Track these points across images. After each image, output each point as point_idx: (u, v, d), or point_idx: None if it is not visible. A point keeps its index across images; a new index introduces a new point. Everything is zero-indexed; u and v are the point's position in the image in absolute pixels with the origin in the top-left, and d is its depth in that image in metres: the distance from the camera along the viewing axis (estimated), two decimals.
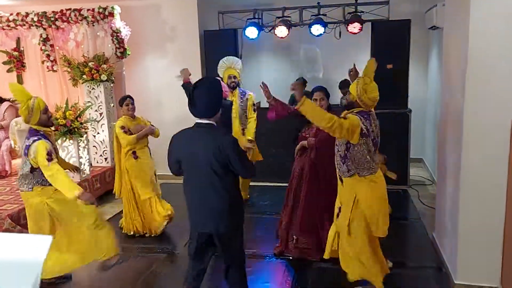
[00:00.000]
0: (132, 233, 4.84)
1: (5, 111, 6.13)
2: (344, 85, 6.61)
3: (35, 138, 3.42)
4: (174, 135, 3.09)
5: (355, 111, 3.20)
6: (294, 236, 4.13)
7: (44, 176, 3.44)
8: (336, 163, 3.37)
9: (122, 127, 4.68)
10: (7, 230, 4.33)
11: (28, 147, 3.41)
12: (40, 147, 3.36)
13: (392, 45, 5.98)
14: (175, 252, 4.46)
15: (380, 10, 6.18)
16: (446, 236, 3.85)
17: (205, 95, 2.86)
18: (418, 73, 7.06)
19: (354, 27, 5.99)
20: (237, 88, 5.36)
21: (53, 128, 3.60)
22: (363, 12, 6.11)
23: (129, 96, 4.84)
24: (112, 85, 6.37)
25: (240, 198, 3.08)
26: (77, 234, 3.64)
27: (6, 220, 4.36)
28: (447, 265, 3.78)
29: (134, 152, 4.76)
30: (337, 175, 3.42)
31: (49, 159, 3.37)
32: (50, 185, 3.45)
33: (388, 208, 3.37)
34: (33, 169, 3.45)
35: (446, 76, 4.04)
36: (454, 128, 3.59)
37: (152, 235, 4.81)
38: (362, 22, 5.98)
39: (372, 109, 3.26)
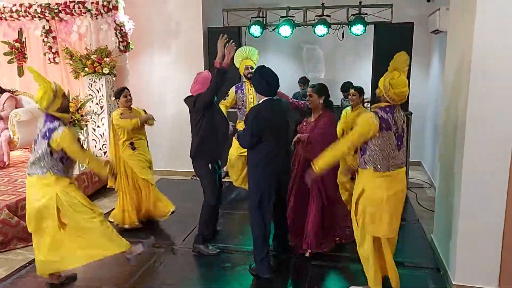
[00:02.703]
0: (126, 226, 4.81)
1: (5, 102, 6.11)
2: (345, 87, 6.64)
3: (60, 122, 3.33)
4: (256, 111, 3.65)
5: (379, 106, 3.13)
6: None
7: (60, 165, 3.38)
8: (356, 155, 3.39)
9: (121, 113, 4.67)
10: (4, 221, 4.31)
11: (51, 131, 3.29)
12: (69, 135, 3.30)
13: (394, 48, 5.86)
14: (174, 246, 4.45)
15: (383, 12, 6.20)
16: (445, 237, 3.86)
17: (275, 77, 3.63)
18: (419, 76, 7.08)
19: (358, 28, 6.01)
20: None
21: (67, 116, 3.51)
22: (366, 14, 6.13)
23: (126, 88, 4.82)
24: (114, 78, 6.36)
25: None
26: (86, 229, 3.51)
27: (4, 211, 4.34)
28: (445, 266, 3.79)
29: (131, 143, 4.75)
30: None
31: (82, 146, 3.42)
32: (65, 176, 3.43)
33: (401, 208, 3.31)
34: (51, 153, 3.34)
35: (449, 80, 4.05)
36: (456, 131, 3.60)
37: (146, 223, 4.90)
38: (365, 24, 6.00)
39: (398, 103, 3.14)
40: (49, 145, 3.32)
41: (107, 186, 5.20)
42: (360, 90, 4.91)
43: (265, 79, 3.56)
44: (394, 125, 3.09)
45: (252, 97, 5.33)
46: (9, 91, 6.31)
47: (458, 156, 3.50)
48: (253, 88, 5.26)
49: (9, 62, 6.76)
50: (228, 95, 5.35)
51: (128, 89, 4.81)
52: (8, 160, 5.95)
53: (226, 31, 6.47)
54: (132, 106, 4.82)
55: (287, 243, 4.12)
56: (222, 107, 4.98)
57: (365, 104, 5.92)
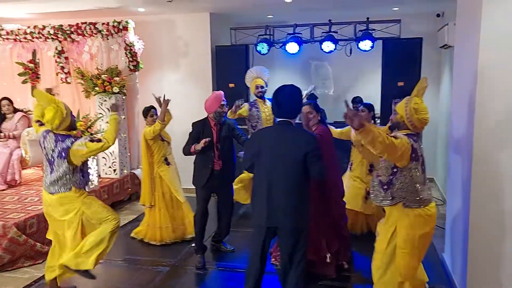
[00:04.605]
0: (159, 243, 4.90)
1: (18, 121, 6.22)
2: (356, 101, 6.61)
3: (70, 140, 3.44)
4: (254, 133, 3.49)
5: (402, 133, 2.93)
6: None
7: (81, 178, 3.53)
8: (372, 189, 3.08)
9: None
10: (12, 239, 4.34)
11: (66, 150, 3.39)
12: (81, 144, 3.41)
13: (403, 63, 5.96)
14: (178, 266, 4.41)
15: (391, 28, 6.18)
16: (456, 255, 3.76)
17: (288, 98, 3.13)
18: (429, 92, 6.85)
19: (365, 44, 5.98)
20: (265, 98, 5.44)
21: (75, 132, 3.65)
22: (374, 30, 6.11)
23: (153, 107, 5.01)
24: (124, 97, 6.44)
25: (308, 195, 3.16)
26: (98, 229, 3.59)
27: (12, 229, 4.36)
28: (457, 285, 3.68)
29: (166, 159, 4.97)
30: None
31: (98, 140, 3.50)
32: (85, 188, 3.61)
33: (425, 249, 3.08)
34: (74, 170, 3.46)
35: (456, 94, 4.00)
36: (464, 146, 3.54)
37: (169, 242, 4.95)
38: (373, 39, 5.97)
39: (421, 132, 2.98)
40: (69, 162, 3.42)
41: (140, 203, 5.25)
42: (369, 107, 4.89)
43: (275, 100, 3.18)
44: (421, 155, 2.90)
45: (267, 115, 5.35)
46: (22, 111, 6.42)
47: (466, 171, 3.42)
48: (266, 106, 5.34)
49: (23, 82, 6.92)
50: (242, 106, 5.32)
51: (155, 109, 5.00)
52: (20, 178, 6.03)
53: (233, 49, 6.61)
54: None
55: None
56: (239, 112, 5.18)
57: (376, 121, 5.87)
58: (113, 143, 3.63)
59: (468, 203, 3.32)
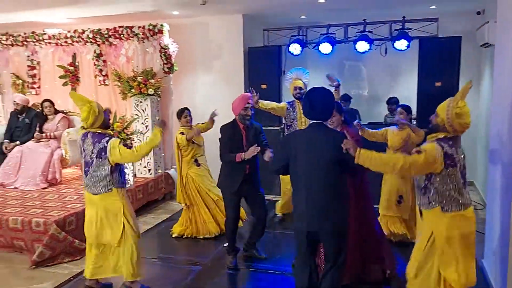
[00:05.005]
0: (208, 235, 5.05)
1: (58, 122, 6.46)
2: (392, 101, 6.47)
3: (107, 138, 3.58)
4: (287, 135, 3.43)
5: (438, 137, 2.84)
6: None
7: (121, 178, 3.67)
8: (416, 193, 3.00)
9: (182, 133, 5.03)
10: (52, 236, 4.51)
11: (104, 149, 3.53)
12: (115, 142, 3.54)
13: (441, 63, 5.80)
14: (210, 265, 4.45)
15: (428, 27, 6.02)
16: (496, 262, 3.61)
17: (321, 100, 3.10)
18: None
19: (401, 44, 5.85)
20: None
21: (111, 132, 3.81)
22: (410, 29, 5.97)
23: (187, 108, 5.19)
24: (158, 99, 6.58)
25: (346, 196, 3.15)
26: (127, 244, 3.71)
27: (52, 226, 4.53)
28: None
29: (196, 160, 5.10)
30: (417, 208, 3.02)
31: (130, 147, 3.64)
32: (123, 186, 3.72)
33: (474, 252, 2.87)
34: (112, 170, 3.58)
35: (497, 94, 3.85)
36: (505, 147, 3.40)
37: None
38: (409, 39, 5.83)
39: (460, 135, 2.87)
40: (108, 161, 3.56)
41: (177, 201, 5.41)
42: (407, 109, 4.78)
43: (309, 102, 3.12)
44: (459, 161, 2.78)
45: (303, 116, 5.32)
46: (62, 112, 6.66)
47: (507, 173, 3.28)
48: None
49: (64, 84, 7.17)
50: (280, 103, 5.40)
51: (188, 110, 5.20)
52: (60, 177, 6.25)
53: (266, 51, 6.62)
54: (192, 124, 5.24)
55: None
56: (269, 103, 5.24)
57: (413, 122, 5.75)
58: (140, 158, 3.75)
59: (509, 206, 3.18)
